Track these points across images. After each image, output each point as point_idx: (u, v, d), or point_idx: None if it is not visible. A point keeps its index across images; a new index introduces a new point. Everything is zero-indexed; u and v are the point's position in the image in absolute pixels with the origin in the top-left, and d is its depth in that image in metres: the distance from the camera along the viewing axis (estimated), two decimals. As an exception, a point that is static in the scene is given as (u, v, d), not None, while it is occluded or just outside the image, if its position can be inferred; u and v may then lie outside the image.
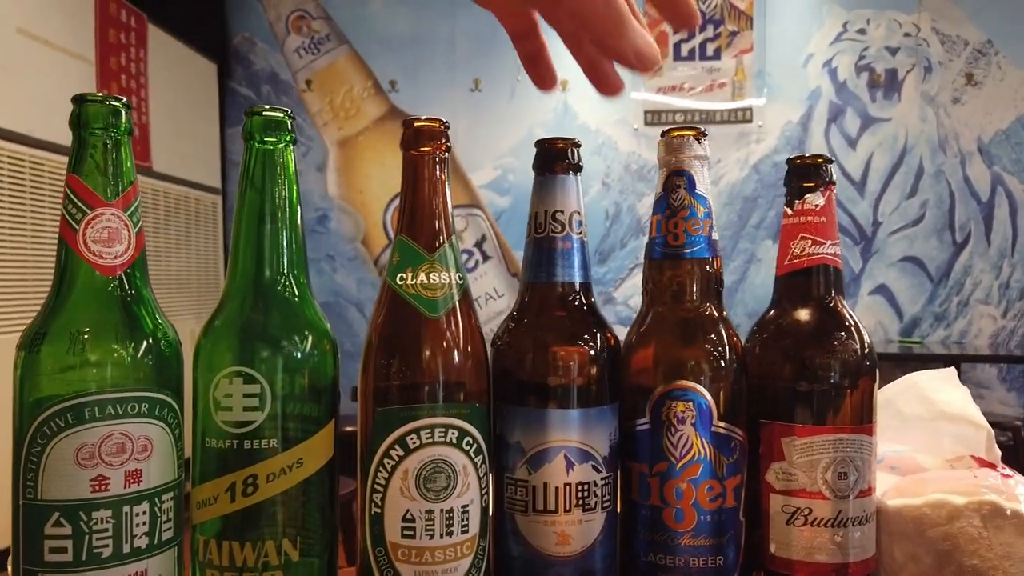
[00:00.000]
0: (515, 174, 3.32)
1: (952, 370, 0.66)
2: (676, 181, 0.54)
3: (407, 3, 3.37)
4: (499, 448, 0.53)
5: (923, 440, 0.63)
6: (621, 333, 0.56)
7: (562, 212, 0.53)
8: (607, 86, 0.52)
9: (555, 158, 0.54)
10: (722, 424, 0.53)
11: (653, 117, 3.25)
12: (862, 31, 3.24)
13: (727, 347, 0.54)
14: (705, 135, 0.55)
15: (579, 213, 0.54)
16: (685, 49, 3.24)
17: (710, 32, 3.24)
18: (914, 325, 3.24)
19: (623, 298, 3.25)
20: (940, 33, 3.21)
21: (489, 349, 0.53)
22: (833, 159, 0.57)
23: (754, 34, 3.27)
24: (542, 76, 0.47)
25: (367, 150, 3.36)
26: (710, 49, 3.24)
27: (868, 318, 3.21)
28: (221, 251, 3.26)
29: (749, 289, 3.21)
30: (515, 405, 0.52)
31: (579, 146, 0.54)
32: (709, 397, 0.52)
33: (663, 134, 0.56)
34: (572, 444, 0.51)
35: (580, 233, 0.54)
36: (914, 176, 3.23)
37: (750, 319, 0.54)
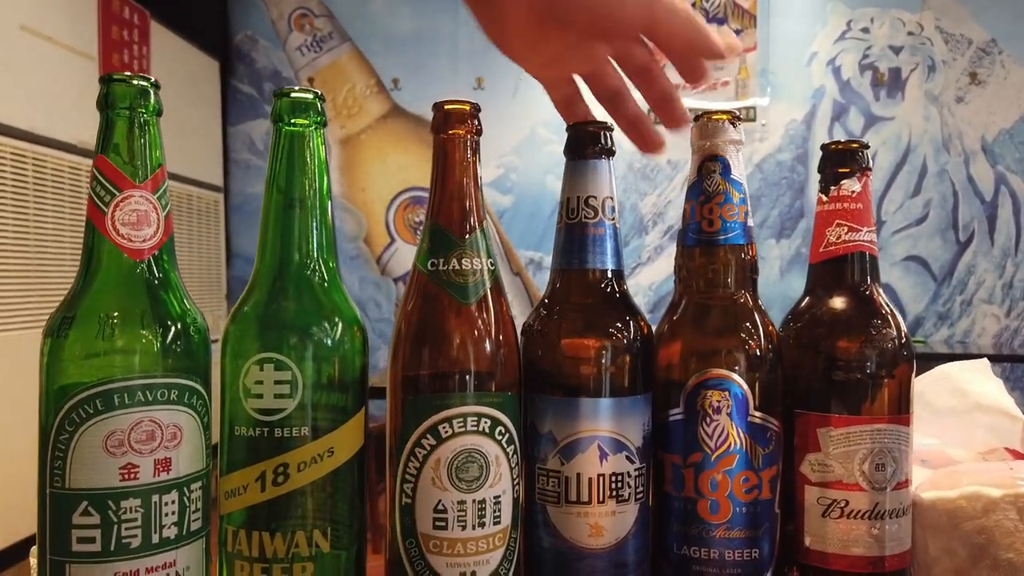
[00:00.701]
0: (518, 173, 3.31)
1: (985, 361, 0.64)
2: (711, 166, 0.53)
3: (410, 1, 3.35)
4: (530, 438, 0.52)
5: (955, 432, 0.62)
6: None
7: (595, 197, 0.52)
8: (649, 144, 0.53)
9: (587, 142, 0.53)
10: (758, 414, 0.51)
11: (655, 116, 3.24)
12: (866, 30, 3.24)
13: (763, 335, 0.53)
14: (739, 119, 0.54)
15: (612, 198, 0.53)
16: (689, 47, 3.23)
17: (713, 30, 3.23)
18: (917, 325, 3.24)
19: (626, 297, 3.23)
20: (944, 32, 3.20)
21: (519, 337, 0.52)
22: (868, 144, 0.56)
23: (757, 33, 3.26)
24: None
25: (370, 148, 3.35)
26: (714, 47, 3.23)
27: (872, 317, 3.19)
28: (223, 249, 3.24)
29: (752, 288, 3.20)
30: (547, 394, 0.51)
31: (612, 130, 0.53)
32: (745, 386, 0.51)
33: (696, 118, 0.54)
34: (605, 434, 0.50)
35: (613, 219, 0.53)
36: (917, 175, 3.22)
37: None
